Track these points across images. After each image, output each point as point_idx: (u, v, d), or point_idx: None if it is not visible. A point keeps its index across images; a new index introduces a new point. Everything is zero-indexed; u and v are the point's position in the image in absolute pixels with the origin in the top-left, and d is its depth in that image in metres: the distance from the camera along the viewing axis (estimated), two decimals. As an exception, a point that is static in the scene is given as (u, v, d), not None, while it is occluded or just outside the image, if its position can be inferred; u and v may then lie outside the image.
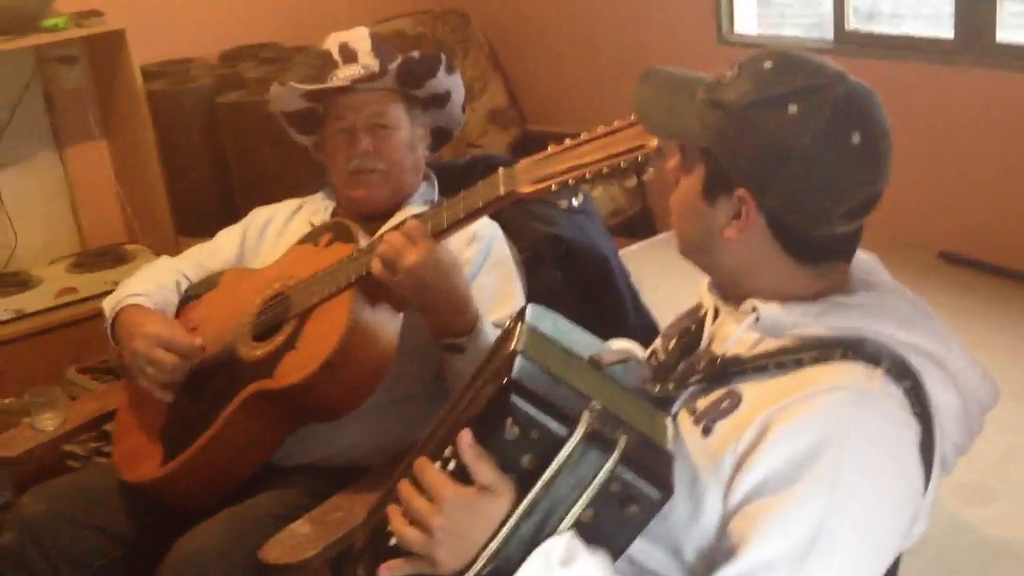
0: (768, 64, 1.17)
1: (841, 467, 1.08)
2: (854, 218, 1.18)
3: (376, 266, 1.65)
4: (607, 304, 2.01)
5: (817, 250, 1.20)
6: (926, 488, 1.17)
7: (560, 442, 1.07)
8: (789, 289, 1.20)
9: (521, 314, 1.25)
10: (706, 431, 1.17)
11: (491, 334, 1.72)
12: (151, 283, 2.01)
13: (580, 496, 1.07)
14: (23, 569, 1.81)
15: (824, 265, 1.21)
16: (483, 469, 1.10)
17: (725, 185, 1.18)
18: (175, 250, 3.30)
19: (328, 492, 1.76)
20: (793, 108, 1.14)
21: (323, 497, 1.74)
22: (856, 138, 1.14)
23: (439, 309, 1.68)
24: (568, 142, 1.54)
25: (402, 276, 1.63)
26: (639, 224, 4.07)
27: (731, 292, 1.26)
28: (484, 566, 1.08)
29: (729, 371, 1.19)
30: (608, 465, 1.06)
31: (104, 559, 1.84)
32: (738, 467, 1.12)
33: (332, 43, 2.02)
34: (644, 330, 2.03)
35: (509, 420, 1.07)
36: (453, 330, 1.69)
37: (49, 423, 2.03)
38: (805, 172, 1.14)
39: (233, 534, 1.67)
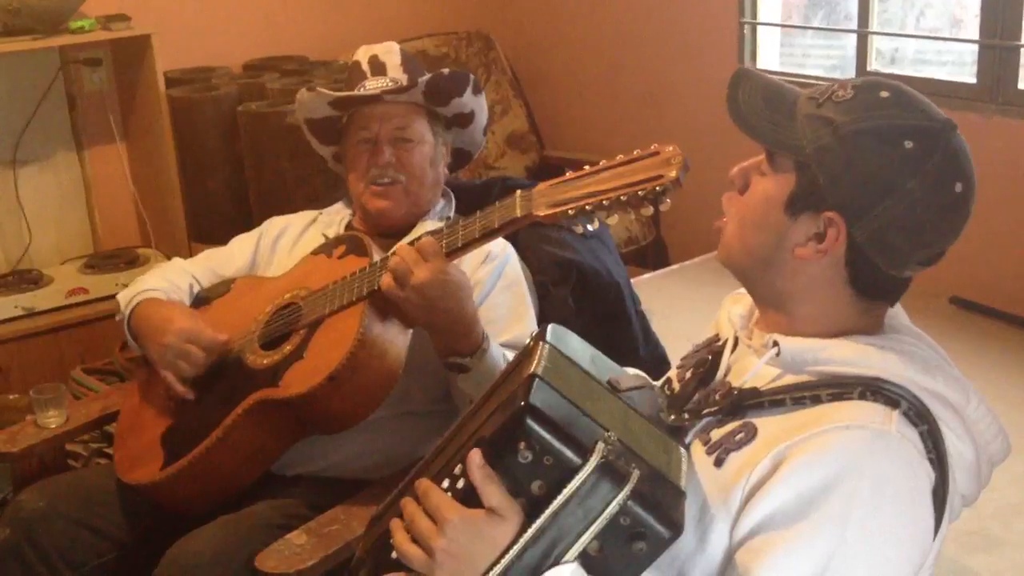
0: (885, 94, 1.16)
1: (853, 507, 1.06)
2: (927, 265, 1.17)
3: (386, 280, 1.65)
4: (618, 331, 2.01)
5: (881, 289, 1.19)
6: (935, 535, 1.15)
7: (573, 470, 1.05)
8: (831, 321, 1.19)
9: (541, 334, 1.24)
10: (718, 462, 1.16)
11: (499, 356, 1.71)
12: (165, 281, 2.02)
13: (588, 527, 1.05)
14: (18, 565, 1.80)
15: (875, 303, 1.20)
16: (492, 491, 1.08)
17: (816, 203, 1.16)
18: (187, 256, 3.30)
19: (326, 504, 1.75)
20: (908, 144, 1.12)
21: (321, 509, 1.74)
22: (959, 188, 1.14)
23: (444, 328, 1.67)
24: (587, 168, 1.54)
25: (410, 292, 1.63)
26: (651, 254, 4.07)
27: (770, 310, 1.23)
28: None
29: (745, 403, 1.18)
30: (619, 498, 1.04)
31: (99, 560, 1.84)
32: (748, 500, 1.11)
33: (362, 55, 2.03)
34: (653, 360, 2.03)
35: (523, 444, 1.06)
36: (457, 350, 1.69)
37: (52, 421, 2.03)
38: (904, 212, 1.13)
39: (229, 541, 1.67)
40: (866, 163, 1.13)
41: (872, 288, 1.19)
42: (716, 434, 1.19)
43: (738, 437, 1.16)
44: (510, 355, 1.75)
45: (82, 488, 1.89)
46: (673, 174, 1.41)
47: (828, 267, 1.18)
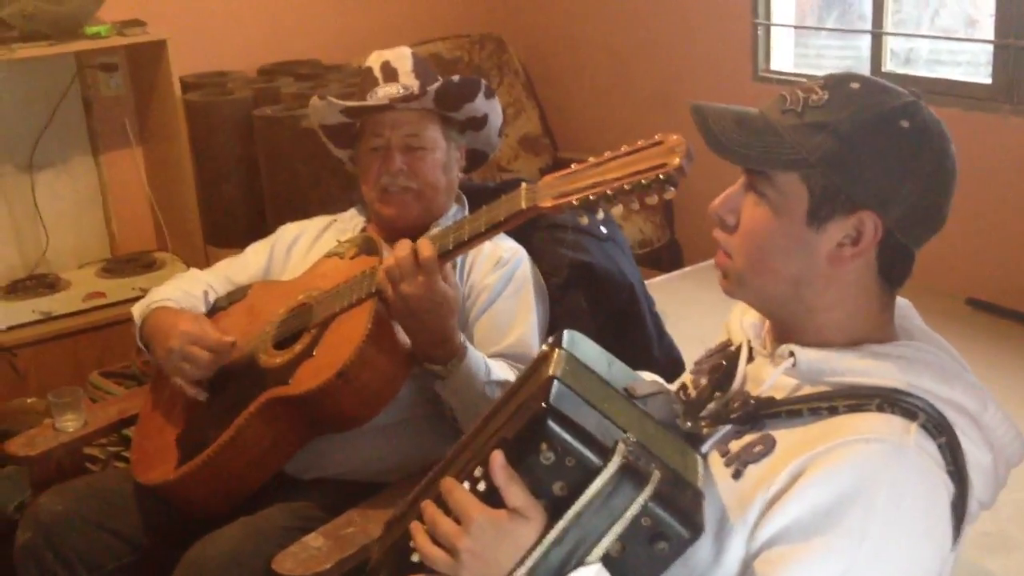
0: (855, 85, 1.16)
1: (870, 521, 1.05)
2: (936, 233, 1.19)
3: (380, 276, 1.68)
4: (632, 332, 2.01)
5: (906, 270, 1.20)
6: (954, 545, 1.15)
7: (594, 471, 1.06)
8: (852, 326, 1.19)
9: (557, 339, 1.24)
10: (737, 475, 1.15)
11: (480, 367, 1.73)
12: (178, 291, 2.03)
13: (610, 528, 1.06)
14: (37, 568, 1.81)
15: (895, 291, 1.21)
16: (515, 491, 1.08)
17: (841, 207, 1.14)
18: (203, 260, 3.32)
19: (341, 506, 1.76)
20: (905, 124, 1.14)
21: (336, 511, 1.75)
22: (952, 150, 1.17)
23: (419, 338, 1.71)
24: (592, 160, 1.54)
25: (396, 297, 1.65)
26: (666, 256, 4.07)
27: (791, 325, 1.22)
28: None
29: (762, 414, 1.17)
30: (640, 499, 1.05)
31: (117, 562, 1.85)
32: (766, 511, 1.10)
33: (374, 61, 2.03)
34: (668, 361, 2.02)
35: (544, 445, 1.06)
36: (431, 357, 1.71)
37: (70, 424, 2.05)
38: (924, 187, 1.15)
39: (246, 543, 1.68)
40: (878, 154, 1.13)
41: (900, 273, 1.19)
42: (735, 446, 1.18)
43: (757, 449, 1.15)
44: (498, 367, 1.77)
45: (100, 491, 1.90)
46: (676, 162, 1.41)
47: (861, 266, 1.17)
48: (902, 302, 1.27)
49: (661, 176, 1.41)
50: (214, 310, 2.04)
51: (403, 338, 1.74)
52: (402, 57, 2.03)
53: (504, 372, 1.77)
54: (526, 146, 4.38)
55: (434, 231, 1.76)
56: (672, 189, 1.42)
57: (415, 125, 1.97)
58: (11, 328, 3.22)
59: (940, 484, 1.11)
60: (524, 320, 1.88)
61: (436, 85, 1.95)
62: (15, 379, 3.16)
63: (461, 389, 1.71)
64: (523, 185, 1.61)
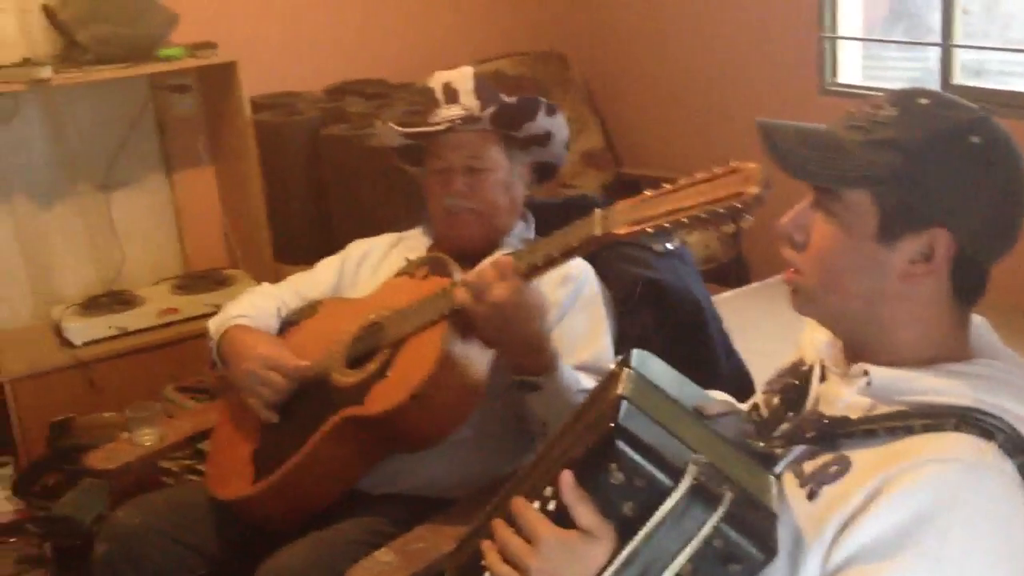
0: (924, 100, 1.16)
1: (947, 542, 1.05)
2: (1010, 250, 1.18)
3: (462, 294, 1.67)
4: (699, 349, 1.99)
5: (980, 289, 1.19)
6: None
7: (664, 492, 1.06)
8: (926, 344, 1.18)
9: (626, 359, 1.24)
10: (812, 495, 1.14)
11: (571, 377, 1.72)
12: (252, 307, 2.07)
13: (682, 550, 1.05)
14: (114, 580, 1.86)
15: (970, 309, 1.20)
16: (585, 512, 1.08)
17: (914, 223, 1.14)
18: (273, 277, 3.36)
19: (411, 521, 1.77)
20: (975, 139, 1.13)
21: (406, 526, 1.76)
22: (1021, 165, 1.16)
23: (515, 347, 1.69)
24: (667, 186, 1.53)
25: (486, 308, 1.64)
26: (732, 272, 4.04)
27: (864, 344, 1.21)
28: None
29: (837, 434, 1.16)
30: (712, 520, 1.05)
31: (191, 575, 1.89)
32: (841, 531, 1.09)
33: (436, 82, 2.05)
34: (736, 377, 2.01)
35: (614, 465, 1.06)
36: (527, 368, 1.71)
37: (147, 439, 2.09)
38: (995, 203, 1.14)
39: (318, 557, 1.70)
40: (947, 170, 1.13)
41: (973, 292, 1.18)
42: (809, 467, 1.17)
43: (832, 470, 1.14)
44: (583, 377, 1.76)
45: (175, 504, 1.94)
46: (754, 190, 1.38)
47: (934, 283, 1.16)
48: (977, 319, 1.25)
49: (739, 205, 1.39)
50: (286, 325, 2.08)
51: (477, 360, 1.74)
52: (463, 78, 2.04)
53: (591, 383, 1.76)
54: (589, 162, 4.38)
55: (502, 256, 1.76)
56: (748, 218, 1.41)
57: (476, 147, 1.98)
58: (88, 343, 3.30)
59: (1019, 505, 1.09)
60: (598, 335, 1.88)
61: (492, 109, 1.96)
62: (92, 393, 3.23)
63: (554, 399, 1.70)
64: (597, 211, 1.61)
